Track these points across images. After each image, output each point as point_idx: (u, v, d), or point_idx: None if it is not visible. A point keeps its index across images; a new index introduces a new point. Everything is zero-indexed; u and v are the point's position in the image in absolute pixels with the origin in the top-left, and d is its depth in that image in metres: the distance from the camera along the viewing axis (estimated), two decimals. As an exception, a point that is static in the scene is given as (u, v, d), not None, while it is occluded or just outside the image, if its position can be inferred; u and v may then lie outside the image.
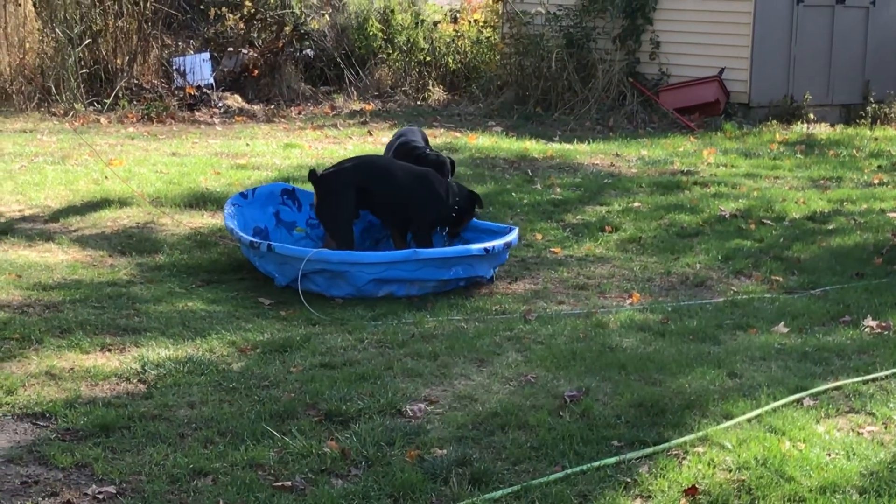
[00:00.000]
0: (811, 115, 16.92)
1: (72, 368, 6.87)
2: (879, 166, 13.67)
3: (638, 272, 9.47)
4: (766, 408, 6.44)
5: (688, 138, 15.21)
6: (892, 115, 17.71)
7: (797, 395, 6.63)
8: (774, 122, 16.48)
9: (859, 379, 6.92)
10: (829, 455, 5.84)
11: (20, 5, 16.56)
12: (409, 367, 7.03)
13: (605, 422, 6.24)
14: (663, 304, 8.58)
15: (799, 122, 16.66)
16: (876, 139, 15.61)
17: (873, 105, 17.63)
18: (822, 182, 12.71)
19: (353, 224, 9.23)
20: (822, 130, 16.29)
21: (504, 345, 7.53)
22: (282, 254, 8.65)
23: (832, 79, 17.72)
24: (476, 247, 8.87)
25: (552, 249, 10.05)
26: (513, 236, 9.22)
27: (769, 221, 10.89)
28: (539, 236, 10.40)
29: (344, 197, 9.05)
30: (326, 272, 8.58)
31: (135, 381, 6.75)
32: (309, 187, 9.41)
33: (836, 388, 6.78)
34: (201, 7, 19.01)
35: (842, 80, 17.81)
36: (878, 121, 17.39)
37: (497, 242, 8.99)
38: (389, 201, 9.20)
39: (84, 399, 6.43)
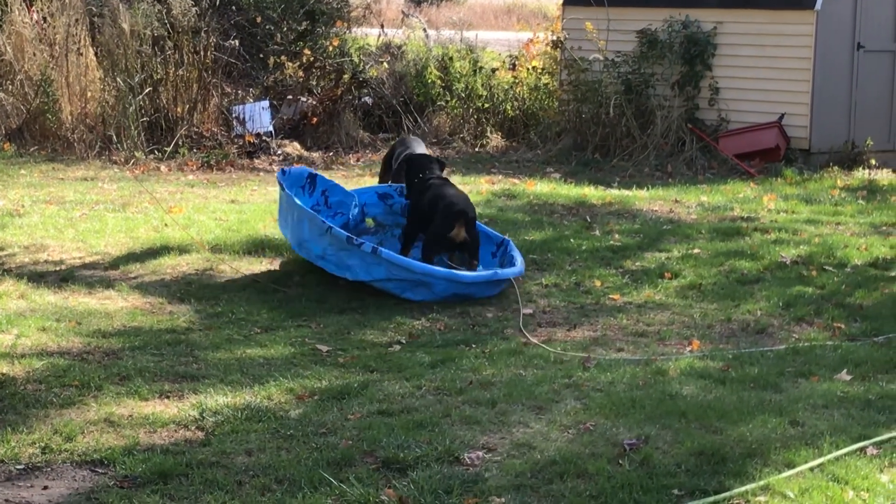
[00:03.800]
0: (873, 161, 16.77)
1: (130, 415, 6.89)
2: (942, 212, 13.52)
3: (698, 319, 9.40)
4: (829, 456, 6.36)
5: (748, 184, 15.12)
6: (956, 160, 17.54)
7: (860, 444, 6.54)
8: (835, 167, 16.36)
9: (924, 428, 6.82)
10: (894, 505, 5.75)
11: (82, 55, 16.74)
12: (467, 415, 7.00)
13: (665, 470, 6.17)
14: (724, 351, 8.50)
15: (860, 168, 16.52)
16: (939, 185, 15.46)
17: (936, 150, 17.49)
18: (884, 228, 12.57)
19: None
20: (884, 176, 16.13)
21: (562, 392, 7.48)
22: (388, 260, 9.64)
23: (894, 124, 17.58)
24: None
25: (611, 296, 10.00)
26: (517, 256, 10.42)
27: (831, 268, 10.78)
28: (598, 283, 10.35)
29: None
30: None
31: (193, 428, 6.76)
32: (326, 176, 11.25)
33: (901, 437, 6.69)
34: (261, 56, 19.15)
35: (904, 125, 17.68)
36: (941, 166, 17.23)
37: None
38: None
39: (142, 446, 6.45)
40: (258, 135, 17.08)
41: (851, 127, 17.04)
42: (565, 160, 16.94)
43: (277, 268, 10.52)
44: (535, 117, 18.80)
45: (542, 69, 19.05)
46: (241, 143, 16.76)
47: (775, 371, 7.97)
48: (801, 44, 16.63)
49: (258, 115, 17.35)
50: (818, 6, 16.40)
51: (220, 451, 6.41)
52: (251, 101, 17.87)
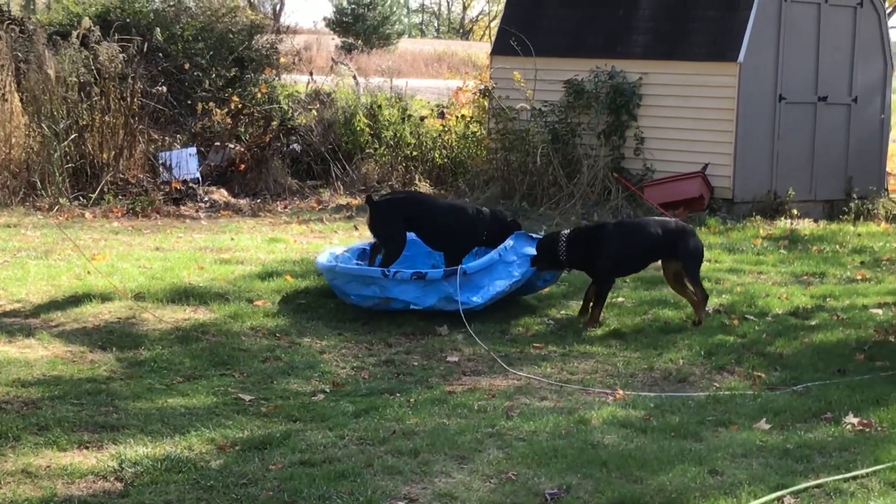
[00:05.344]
0: (794, 211, 17.02)
1: (48, 466, 6.81)
2: (862, 262, 13.72)
3: (621, 368, 9.45)
4: (748, 506, 6.41)
5: (672, 233, 15.23)
6: (875, 211, 17.83)
7: (778, 493, 6.60)
8: (758, 217, 16.56)
9: (840, 476, 6.89)
10: (811, 554, 5.80)
11: (7, 100, 16.63)
12: (390, 465, 6.99)
13: (585, 520, 6.19)
14: (646, 400, 8.55)
15: (782, 218, 16.75)
16: (859, 235, 15.68)
17: (856, 201, 17.79)
18: (805, 278, 12.74)
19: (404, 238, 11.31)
20: (806, 226, 16.36)
21: (485, 441, 7.49)
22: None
23: (815, 175, 17.85)
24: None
25: (535, 345, 10.04)
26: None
27: (752, 317, 10.90)
28: (523, 331, 10.39)
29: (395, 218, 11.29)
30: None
31: (112, 479, 6.70)
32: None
33: (818, 486, 6.76)
34: (188, 102, 19.12)
35: (825, 176, 17.96)
36: (861, 217, 17.53)
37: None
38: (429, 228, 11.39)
39: (60, 498, 6.38)
40: (185, 181, 17.02)
41: (774, 177, 17.28)
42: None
43: (201, 316, 10.47)
44: (463, 165, 18.91)
45: (471, 117, 19.18)
46: (167, 190, 16.69)
47: (696, 420, 8.03)
48: (724, 95, 16.87)
49: (185, 162, 17.31)
50: (741, 58, 16.64)
51: (138, 502, 6.35)
52: (178, 147, 17.82)
